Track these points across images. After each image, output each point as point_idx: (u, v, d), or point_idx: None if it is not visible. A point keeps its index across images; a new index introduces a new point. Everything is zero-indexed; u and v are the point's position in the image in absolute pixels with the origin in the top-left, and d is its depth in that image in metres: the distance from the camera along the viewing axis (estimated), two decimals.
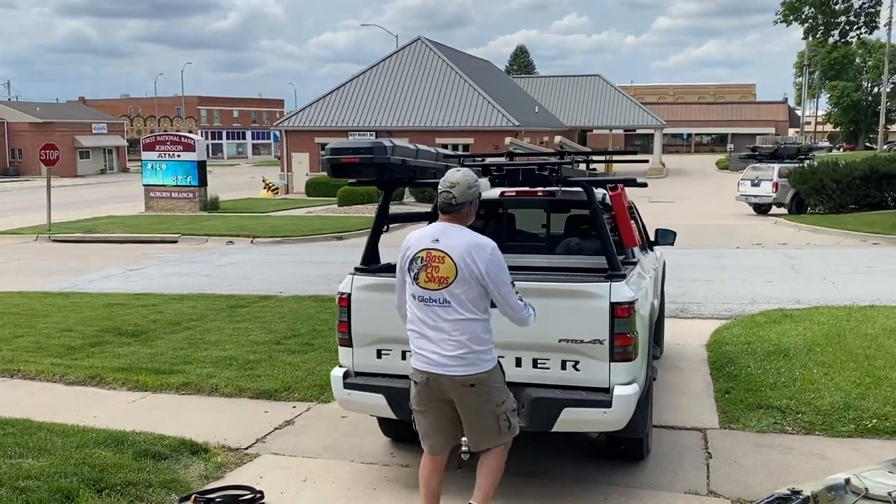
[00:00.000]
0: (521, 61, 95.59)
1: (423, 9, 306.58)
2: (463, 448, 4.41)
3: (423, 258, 4.04)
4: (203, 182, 30.04)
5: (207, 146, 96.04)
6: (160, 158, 30.07)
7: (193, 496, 4.74)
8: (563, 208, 6.38)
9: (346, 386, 5.03)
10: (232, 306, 11.40)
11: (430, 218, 6.40)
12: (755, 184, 26.46)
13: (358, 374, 5.10)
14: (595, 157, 6.59)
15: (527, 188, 5.35)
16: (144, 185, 30.71)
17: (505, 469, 4.32)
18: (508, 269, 4.08)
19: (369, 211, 24.09)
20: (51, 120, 66.51)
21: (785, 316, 9.90)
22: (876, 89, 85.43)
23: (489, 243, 4.02)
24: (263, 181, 39.11)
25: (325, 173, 31.90)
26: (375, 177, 4.89)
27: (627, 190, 6.03)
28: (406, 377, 4.85)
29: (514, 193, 5.94)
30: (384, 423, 5.62)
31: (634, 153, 6.76)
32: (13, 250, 20.55)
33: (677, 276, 13.02)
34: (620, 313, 4.55)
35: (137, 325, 10.04)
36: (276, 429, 6.25)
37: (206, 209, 29.60)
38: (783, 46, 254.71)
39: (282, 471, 5.38)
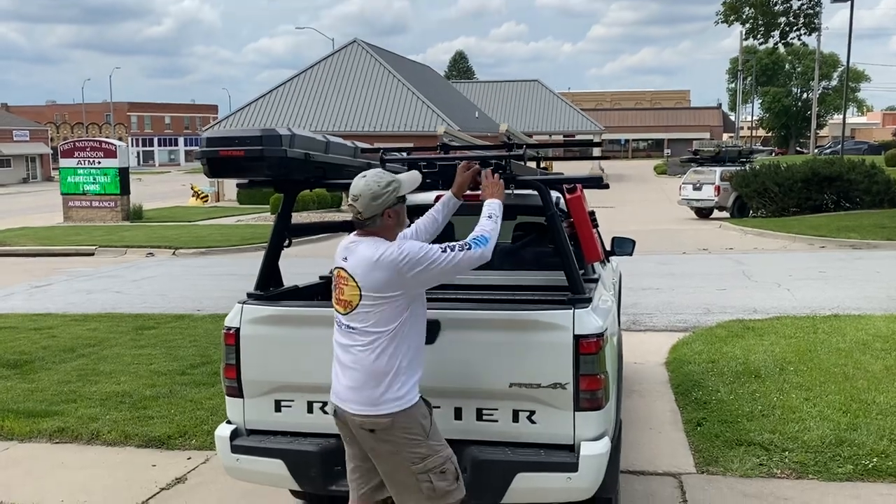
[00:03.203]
0: (460, 67, 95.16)
1: (361, 16, 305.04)
2: None
3: (335, 276, 3.47)
4: (126, 190, 28.33)
5: (138, 153, 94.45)
6: (79, 165, 28.25)
7: None
8: (512, 214, 5.37)
9: (235, 449, 3.89)
10: (138, 328, 10.16)
11: (351, 228, 5.34)
12: (697, 188, 26.08)
13: (251, 431, 3.97)
14: (544, 153, 5.61)
15: (469, 191, 4.32)
16: (63, 195, 28.86)
17: None
18: (443, 288, 3.36)
19: (308, 218, 22.82)
20: None
21: (747, 329, 9.14)
22: (805, 95, 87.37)
23: (390, 248, 3.28)
24: (192, 189, 37.37)
25: None
26: (269, 175, 3.78)
27: None
28: (313, 436, 3.83)
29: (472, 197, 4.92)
30: None
31: (600, 145, 5.75)
32: None
33: (625, 285, 12.23)
34: (587, 349, 3.53)
35: (23, 353, 8.74)
36: (163, 489, 5.08)
37: (129, 219, 27.94)
38: (716, 54, 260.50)
39: None
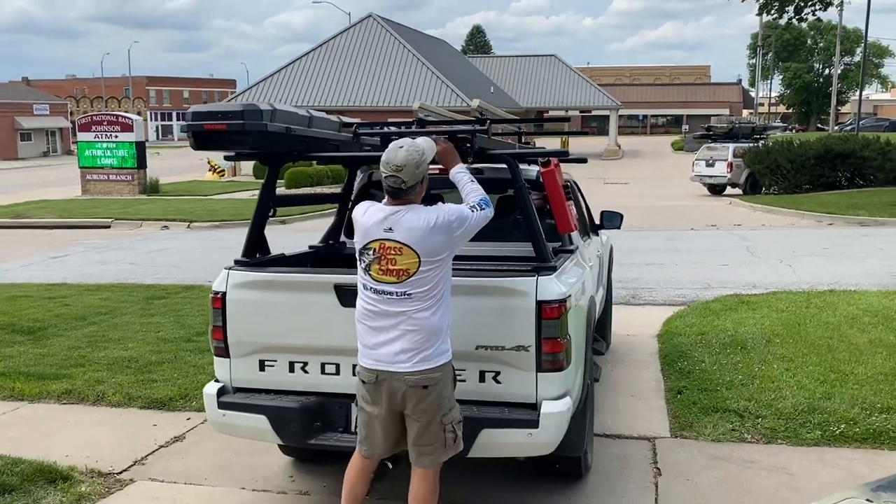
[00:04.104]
0: (478, 41, 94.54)
1: None
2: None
3: (375, 249, 3.58)
4: (142, 164, 28.63)
5: (157, 127, 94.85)
6: (96, 139, 28.57)
7: None
8: (495, 188, 5.55)
9: (222, 405, 4.15)
10: (149, 298, 10.46)
11: (340, 200, 5.55)
12: (710, 164, 26.01)
13: (237, 389, 4.23)
14: (526, 129, 5.76)
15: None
16: (81, 168, 29.22)
17: None
18: None
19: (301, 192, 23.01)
20: None
21: (741, 302, 9.29)
22: (827, 71, 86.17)
23: (441, 212, 3.57)
24: (209, 163, 37.67)
25: None
26: (252, 148, 4.00)
27: (577, 170, 5.24)
28: (294, 393, 4.08)
29: (436, 171, 5.11)
30: None
31: (568, 121, 5.90)
32: None
33: (629, 260, 12.43)
34: (549, 314, 3.74)
35: (37, 320, 9.05)
36: (162, 446, 5.37)
37: (146, 192, 28.27)
38: (738, 28, 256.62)
39: (153, 503, 4.51)
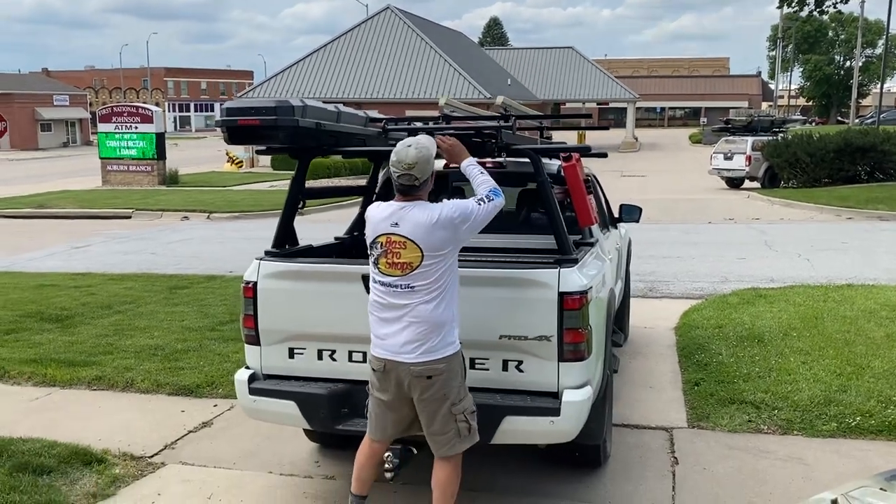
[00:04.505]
0: (495, 33, 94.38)
1: None
2: (387, 465, 3.80)
3: (382, 243, 3.72)
4: (161, 155, 28.88)
5: (175, 118, 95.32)
6: (117, 130, 28.82)
7: None
8: (518, 182, 5.66)
9: (252, 391, 4.30)
10: (172, 287, 10.64)
11: (364, 193, 5.67)
12: (728, 157, 25.92)
13: (267, 376, 4.37)
14: (547, 124, 5.84)
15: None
16: (101, 159, 29.51)
17: None
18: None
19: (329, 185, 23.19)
20: (10, 91, 64.37)
21: (759, 296, 9.34)
22: (848, 63, 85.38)
23: (444, 208, 3.68)
24: (227, 155, 37.93)
25: None
26: (283, 143, 4.12)
27: (594, 164, 5.33)
28: (323, 381, 4.22)
29: (456, 167, 5.22)
30: None
31: (590, 117, 5.99)
32: None
33: (647, 253, 12.49)
34: (570, 305, 3.85)
35: (64, 308, 9.25)
36: (191, 432, 5.53)
37: (165, 183, 28.52)
38: (758, 20, 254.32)
39: (185, 485, 4.66)
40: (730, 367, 6.55)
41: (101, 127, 29.28)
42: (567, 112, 66.18)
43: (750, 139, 25.72)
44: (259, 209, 21.15)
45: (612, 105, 64.96)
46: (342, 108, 4.38)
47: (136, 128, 28.66)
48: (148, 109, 29.41)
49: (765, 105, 79.19)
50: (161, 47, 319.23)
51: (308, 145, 4.31)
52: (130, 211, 21.32)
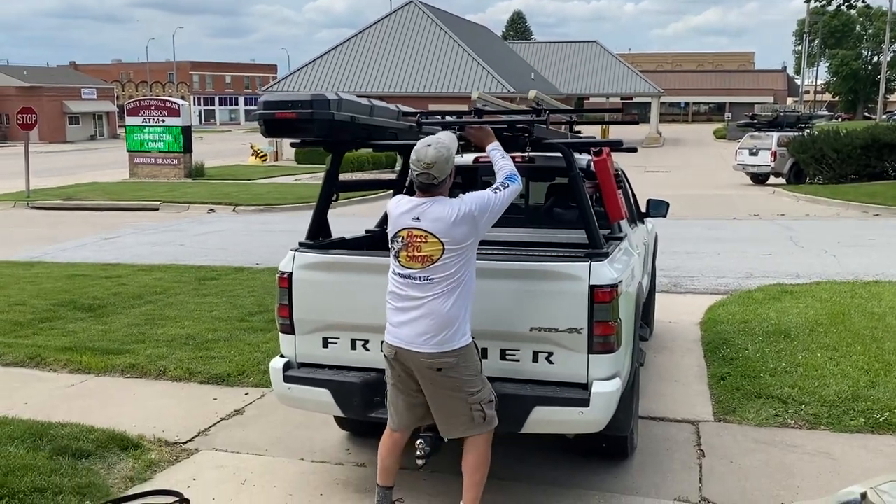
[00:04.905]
0: (518, 27, 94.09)
1: None
2: (418, 452, 3.88)
3: (403, 237, 3.81)
4: (188, 148, 29.20)
5: (200, 112, 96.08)
6: (144, 124, 29.19)
7: None
8: (547, 176, 5.70)
9: (287, 379, 4.39)
10: (201, 278, 10.79)
11: (394, 186, 5.74)
12: (753, 153, 25.75)
13: (301, 365, 4.46)
14: (578, 118, 5.89)
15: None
16: (129, 151, 29.88)
17: None
18: (484, 244, 3.93)
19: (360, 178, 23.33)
20: (39, 84, 65.27)
21: (785, 292, 9.32)
22: (876, 58, 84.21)
23: (463, 204, 3.76)
24: (251, 148, 38.22)
25: None
26: (318, 136, 4.19)
27: (619, 157, 5.37)
28: (355, 369, 4.30)
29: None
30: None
31: (621, 111, 6.03)
32: None
33: (671, 249, 12.48)
34: (601, 298, 3.90)
35: (97, 298, 9.42)
36: (223, 419, 5.64)
37: (191, 176, 28.82)
38: (784, 14, 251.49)
39: (219, 471, 4.77)
40: (756, 362, 6.56)
41: (129, 120, 29.64)
42: (591, 106, 65.80)
43: (775, 135, 25.54)
44: (284, 202, 21.32)
45: (635, 100, 64.57)
46: (375, 101, 4.45)
47: (163, 121, 28.98)
48: (175, 103, 29.70)
49: (790, 100, 78.30)
50: (187, 41, 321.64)
51: (342, 139, 4.38)
52: (158, 203, 21.56)
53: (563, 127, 5.99)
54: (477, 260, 4.12)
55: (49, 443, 4.82)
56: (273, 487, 4.55)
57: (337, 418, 5.08)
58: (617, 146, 4.43)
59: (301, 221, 4.79)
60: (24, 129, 23.86)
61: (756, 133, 26.55)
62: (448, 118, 4.71)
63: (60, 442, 4.84)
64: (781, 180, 25.07)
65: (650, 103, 54.61)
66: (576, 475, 4.69)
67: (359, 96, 4.52)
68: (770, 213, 18.21)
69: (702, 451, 5.02)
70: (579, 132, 5.93)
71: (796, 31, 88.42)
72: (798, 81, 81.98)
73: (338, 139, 4.38)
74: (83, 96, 68.97)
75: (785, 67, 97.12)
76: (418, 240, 3.74)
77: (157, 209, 21.14)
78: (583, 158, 5.08)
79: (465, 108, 5.56)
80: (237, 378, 6.42)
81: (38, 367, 6.79)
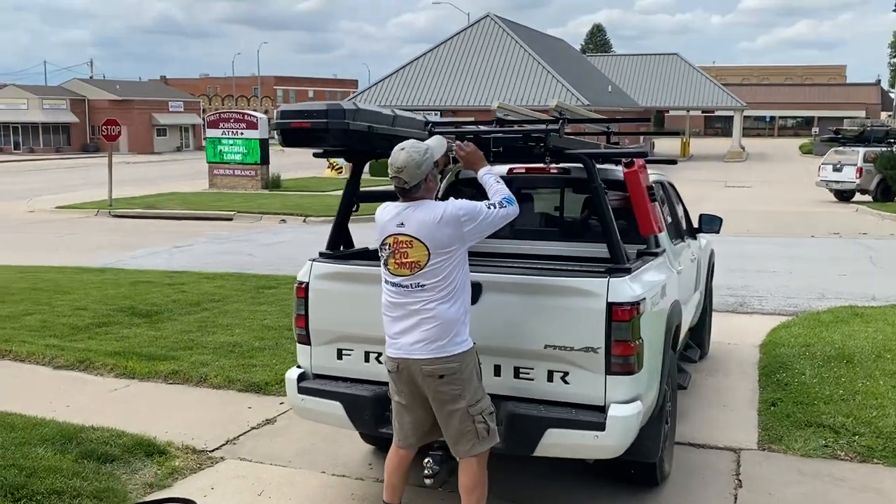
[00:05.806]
0: (598, 40, 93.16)
1: None
2: (426, 472, 3.77)
3: (390, 244, 3.74)
4: (265, 160, 29.86)
5: None
6: (224, 136, 30.01)
7: None
8: (581, 188, 5.51)
9: (301, 391, 4.34)
10: (260, 287, 10.94)
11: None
12: (837, 168, 24.71)
13: (317, 376, 4.41)
14: (614, 128, 5.68)
15: (538, 165, 4.53)
16: (208, 163, 30.77)
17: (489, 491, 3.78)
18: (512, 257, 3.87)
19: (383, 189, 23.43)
20: (130, 98, 68.01)
21: (855, 315, 8.84)
22: None
23: (448, 206, 3.68)
24: (328, 161, 38.83)
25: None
26: (335, 145, 4.15)
27: (697, 173, 5.14)
28: (368, 382, 4.22)
29: (523, 170, 5.14)
30: None
31: (649, 121, 5.79)
32: (71, 224, 20.68)
33: (741, 266, 12.05)
34: (620, 316, 3.71)
35: (155, 304, 9.63)
36: (253, 428, 5.64)
37: (268, 187, 29.45)
38: (878, 26, 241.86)
39: (239, 481, 4.75)
40: (811, 388, 6.20)
41: (210, 132, 30.50)
42: (671, 119, 64.48)
43: (861, 150, 24.46)
44: (354, 214, 21.46)
45: (718, 113, 63.13)
46: (399, 112, 4.38)
47: (241, 133, 29.73)
48: (253, 116, 30.44)
49: (884, 115, 75.11)
50: (272, 57, 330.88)
51: (361, 148, 4.33)
52: (232, 213, 22.08)
53: (599, 137, 5.81)
54: (493, 274, 3.99)
55: (78, 446, 4.90)
56: (288, 500, 4.50)
57: (361, 432, 5.00)
58: (644, 157, 4.23)
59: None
60: (108, 141, 24.86)
61: (840, 148, 25.49)
62: (467, 127, 4.59)
63: (88, 446, 4.91)
64: (867, 198, 23.99)
65: (733, 117, 53.18)
66: (601, 501, 4.48)
67: (429, 110, 4.47)
68: (851, 231, 17.42)
69: (739, 480, 4.75)
70: (617, 143, 5.72)
71: (891, 42, 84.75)
72: (893, 95, 78.54)
73: (355, 148, 4.32)
74: (171, 109, 71.52)
75: (879, 81, 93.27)
76: (404, 245, 3.67)
77: (231, 219, 21.63)
78: (618, 170, 4.88)
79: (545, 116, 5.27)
80: (275, 387, 6.43)
81: (87, 371, 6.96)
